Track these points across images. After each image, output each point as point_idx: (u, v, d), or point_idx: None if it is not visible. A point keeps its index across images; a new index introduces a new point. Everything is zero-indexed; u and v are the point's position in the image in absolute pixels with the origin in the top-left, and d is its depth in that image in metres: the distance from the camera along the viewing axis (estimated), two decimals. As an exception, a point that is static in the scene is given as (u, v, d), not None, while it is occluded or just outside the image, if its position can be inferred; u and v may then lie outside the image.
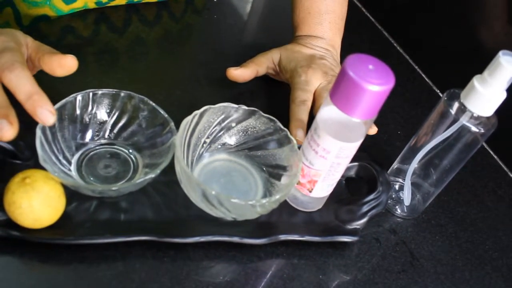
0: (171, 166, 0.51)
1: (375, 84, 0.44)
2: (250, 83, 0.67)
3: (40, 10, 0.71)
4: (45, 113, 0.46)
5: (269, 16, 0.91)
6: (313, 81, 0.64)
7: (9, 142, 0.51)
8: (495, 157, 0.76)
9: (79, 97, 0.53)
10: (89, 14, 0.72)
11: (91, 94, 0.54)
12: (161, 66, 0.71)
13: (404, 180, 0.61)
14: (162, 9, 0.78)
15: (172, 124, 0.54)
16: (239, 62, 0.68)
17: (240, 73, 0.66)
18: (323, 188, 0.54)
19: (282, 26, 0.81)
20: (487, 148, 0.77)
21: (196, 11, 0.82)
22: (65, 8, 0.71)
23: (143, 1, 0.77)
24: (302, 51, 0.68)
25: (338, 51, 0.72)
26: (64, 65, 0.50)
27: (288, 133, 0.55)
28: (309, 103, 0.62)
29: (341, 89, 0.46)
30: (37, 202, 0.45)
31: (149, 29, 0.75)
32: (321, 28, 0.70)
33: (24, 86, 0.46)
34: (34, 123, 0.49)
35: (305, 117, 0.60)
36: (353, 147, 0.50)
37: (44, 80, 0.54)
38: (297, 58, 0.67)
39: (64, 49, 0.52)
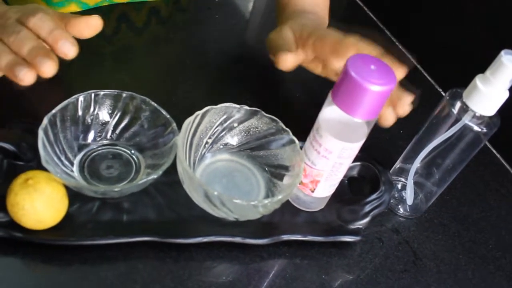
0: (173, 167, 0.51)
1: (377, 84, 0.44)
2: (252, 83, 0.67)
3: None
4: (66, 44, 0.49)
5: (271, 15, 0.90)
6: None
7: (12, 143, 0.51)
8: (498, 156, 0.76)
9: (81, 98, 0.53)
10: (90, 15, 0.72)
11: (93, 95, 0.54)
12: (163, 66, 0.71)
13: (406, 179, 0.60)
14: (156, 11, 0.78)
15: (174, 124, 0.54)
16: (241, 62, 0.68)
17: (296, 58, 0.58)
18: (326, 188, 0.54)
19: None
20: (490, 147, 0.77)
21: (181, 9, 0.81)
22: None
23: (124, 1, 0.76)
24: (304, 21, 0.63)
25: None
26: (91, 25, 0.52)
27: (290, 133, 0.55)
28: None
29: (343, 89, 0.46)
30: (40, 203, 0.45)
31: (150, 29, 0.75)
32: (313, 2, 0.68)
33: (46, 25, 0.50)
34: (37, 125, 0.49)
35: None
36: (355, 147, 0.50)
37: (47, 82, 0.54)
38: (307, 23, 0.62)
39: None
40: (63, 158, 0.52)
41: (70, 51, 0.49)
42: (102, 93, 0.54)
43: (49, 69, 0.48)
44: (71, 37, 0.50)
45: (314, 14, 0.68)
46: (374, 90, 0.44)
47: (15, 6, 0.54)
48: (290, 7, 0.69)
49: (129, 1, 0.76)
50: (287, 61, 0.57)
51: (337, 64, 0.57)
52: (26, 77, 0.48)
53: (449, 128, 0.54)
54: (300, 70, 0.78)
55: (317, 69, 0.62)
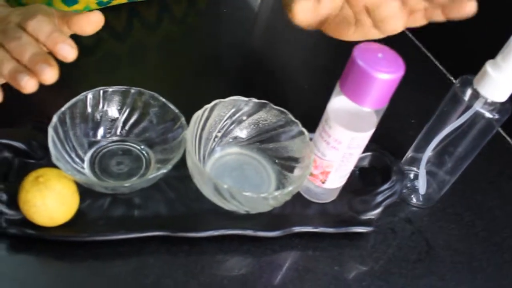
0: (183, 161, 0.51)
1: (384, 72, 0.43)
2: (260, 76, 0.67)
3: None
4: (65, 47, 0.48)
5: (279, 8, 0.90)
6: None
7: (22, 142, 0.51)
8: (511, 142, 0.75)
9: (90, 95, 0.54)
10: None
11: (101, 92, 0.54)
12: (170, 61, 0.71)
13: (418, 169, 0.60)
14: (167, 7, 0.78)
15: (183, 119, 0.54)
16: (249, 55, 0.67)
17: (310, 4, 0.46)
18: (336, 179, 0.54)
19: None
20: (503, 133, 0.76)
21: (191, 4, 0.81)
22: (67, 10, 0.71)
23: None
24: None
25: None
26: (92, 21, 0.52)
27: (300, 125, 0.55)
28: None
29: (350, 78, 0.45)
30: (51, 200, 0.46)
31: (158, 25, 0.75)
32: None
33: (45, 27, 0.48)
34: (47, 123, 0.49)
35: None
36: (365, 137, 0.50)
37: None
38: None
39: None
40: (73, 155, 0.52)
41: (69, 54, 0.48)
42: (110, 89, 0.55)
43: (49, 76, 0.47)
44: (69, 39, 0.49)
45: None
46: (382, 78, 0.43)
47: (18, 8, 0.54)
48: None
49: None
50: (302, 10, 0.46)
51: None
52: (28, 85, 0.47)
53: (460, 116, 0.54)
54: (307, 60, 0.78)
55: (350, 29, 0.50)
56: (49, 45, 0.48)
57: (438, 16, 0.49)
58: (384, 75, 0.43)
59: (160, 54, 0.72)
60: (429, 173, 0.61)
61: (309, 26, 0.49)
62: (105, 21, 0.71)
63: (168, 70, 0.70)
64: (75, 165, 0.51)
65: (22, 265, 0.47)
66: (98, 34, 0.70)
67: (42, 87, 0.55)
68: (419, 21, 0.49)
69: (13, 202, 0.47)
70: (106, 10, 0.73)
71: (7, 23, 0.51)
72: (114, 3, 0.74)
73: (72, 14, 0.53)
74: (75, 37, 0.70)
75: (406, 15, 0.48)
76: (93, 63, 0.66)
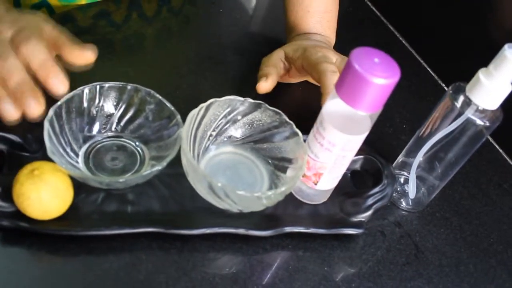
0: (177, 159, 0.51)
1: (380, 77, 0.44)
2: (256, 76, 0.67)
3: None
4: (56, 82, 0.47)
5: (275, 9, 0.91)
6: (330, 57, 0.63)
7: (18, 135, 0.51)
8: (501, 151, 0.76)
9: (86, 90, 0.54)
10: (90, 9, 0.72)
11: (98, 87, 0.54)
12: (168, 59, 0.72)
13: (409, 173, 0.61)
14: (167, 1, 0.78)
15: (178, 117, 0.54)
16: (244, 55, 0.68)
17: (271, 84, 0.65)
18: (329, 181, 0.55)
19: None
20: (493, 142, 0.77)
21: (189, 3, 0.81)
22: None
23: None
24: (304, 43, 0.67)
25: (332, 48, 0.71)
26: (85, 56, 0.51)
27: (294, 126, 0.56)
28: (338, 74, 0.60)
29: (346, 82, 0.46)
30: (45, 194, 0.46)
31: (155, 23, 0.75)
32: (320, 26, 0.70)
33: (38, 55, 0.47)
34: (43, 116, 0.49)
35: None
36: (359, 140, 0.50)
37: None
38: (303, 45, 0.66)
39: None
40: (68, 150, 0.52)
41: (59, 89, 0.47)
42: (107, 85, 0.55)
43: (35, 111, 0.47)
44: (62, 74, 0.48)
45: (321, 36, 0.70)
46: (378, 83, 0.44)
47: (9, 13, 0.52)
48: (295, 31, 0.71)
49: None
50: (261, 88, 0.64)
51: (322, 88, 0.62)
52: (9, 115, 0.47)
53: (451, 122, 0.54)
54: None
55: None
56: (41, 76, 0.47)
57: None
58: (380, 79, 0.44)
59: (158, 51, 0.72)
60: (419, 177, 0.62)
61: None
62: (105, 14, 0.72)
63: (165, 68, 0.70)
64: (69, 159, 0.52)
65: (14, 258, 0.48)
66: (97, 28, 0.70)
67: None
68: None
69: (7, 195, 0.47)
70: (106, 2, 0.73)
71: None
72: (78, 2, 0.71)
73: (67, 42, 0.51)
74: (76, 32, 0.70)
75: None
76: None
